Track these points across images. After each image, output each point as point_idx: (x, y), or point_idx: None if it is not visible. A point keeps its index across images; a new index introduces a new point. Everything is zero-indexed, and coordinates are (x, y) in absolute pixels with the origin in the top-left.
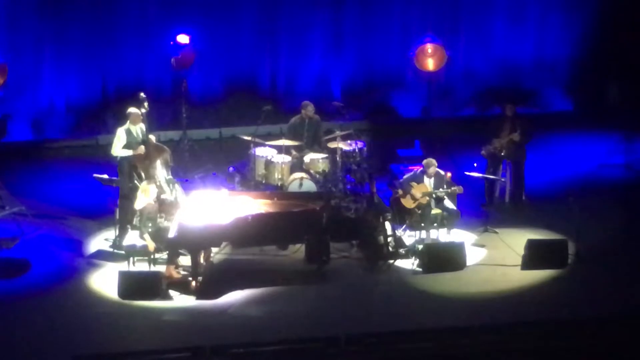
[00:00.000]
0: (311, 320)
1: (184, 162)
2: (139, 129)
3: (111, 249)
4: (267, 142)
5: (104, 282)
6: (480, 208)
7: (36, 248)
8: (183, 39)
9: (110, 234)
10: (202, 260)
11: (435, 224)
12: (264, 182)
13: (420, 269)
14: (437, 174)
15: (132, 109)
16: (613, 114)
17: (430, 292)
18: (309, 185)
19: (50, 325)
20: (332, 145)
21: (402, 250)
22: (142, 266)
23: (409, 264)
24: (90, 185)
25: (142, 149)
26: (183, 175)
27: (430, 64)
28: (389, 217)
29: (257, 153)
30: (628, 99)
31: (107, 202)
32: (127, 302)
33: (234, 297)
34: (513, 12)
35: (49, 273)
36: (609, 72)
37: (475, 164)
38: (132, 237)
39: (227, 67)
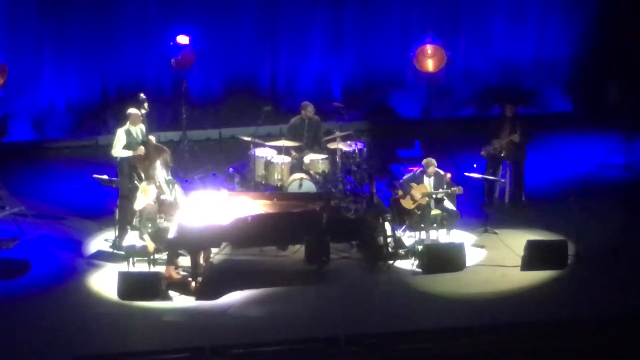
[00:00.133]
0: (311, 320)
1: (183, 163)
2: (139, 129)
3: (111, 250)
4: (267, 143)
5: (103, 282)
6: (480, 209)
7: (36, 248)
8: (183, 39)
9: (110, 234)
10: (201, 261)
11: (435, 225)
12: (263, 182)
13: (420, 270)
14: (436, 174)
15: (132, 110)
16: (613, 114)
17: (430, 292)
18: (309, 186)
19: (50, 326)
20: (332, 145)
21: (401, 251)
22: (141, 267)
23: (408, 264)
24: (90, 186)
25: (142, 149)
26: (183, 175)
27: (430, 65)
28: (389, 218)
29: (256, 154)
30: (628, 99)
31: (107, 203)
32: (126, 302)
33: (233, 297)
34: (513, 12)
35: (49, 273)
36: (609, 72)
37: (475, 165)
38: (132, 238)
39: (227, 68)
